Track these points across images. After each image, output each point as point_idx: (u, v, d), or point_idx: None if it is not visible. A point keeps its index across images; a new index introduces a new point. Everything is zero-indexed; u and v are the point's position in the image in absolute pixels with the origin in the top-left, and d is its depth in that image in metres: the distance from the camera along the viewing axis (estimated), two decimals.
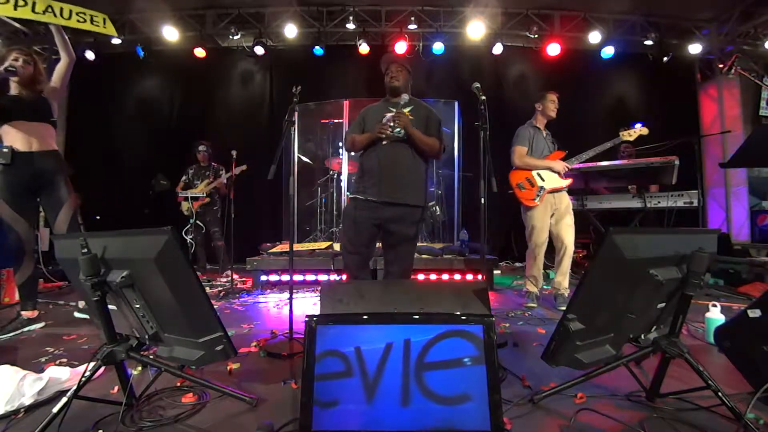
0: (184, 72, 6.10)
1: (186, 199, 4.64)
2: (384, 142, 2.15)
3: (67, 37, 2.44)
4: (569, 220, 3.00)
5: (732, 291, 3.45)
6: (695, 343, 2.07)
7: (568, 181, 3.01)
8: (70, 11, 2.29)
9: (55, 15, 2.25)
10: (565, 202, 3.03)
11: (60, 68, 2.48)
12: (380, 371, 1.10)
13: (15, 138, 2.34)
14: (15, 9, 2.15)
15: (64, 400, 1.16)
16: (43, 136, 2.43)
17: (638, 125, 3.06)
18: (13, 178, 2.34)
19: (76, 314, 2.63)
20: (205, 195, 4.69)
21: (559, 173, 2.98)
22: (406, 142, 2.14)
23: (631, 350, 1.39)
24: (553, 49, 5.66)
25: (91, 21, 2.40)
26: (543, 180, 2.97)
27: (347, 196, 2.30)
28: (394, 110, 2.15)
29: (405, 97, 2.18)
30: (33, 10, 2.19)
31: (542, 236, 2.99)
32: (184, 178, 4.84)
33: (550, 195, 2.98)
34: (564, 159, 3.04)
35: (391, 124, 2.11)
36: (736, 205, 5.79)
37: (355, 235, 2.18)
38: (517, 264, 5.53)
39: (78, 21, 2.32)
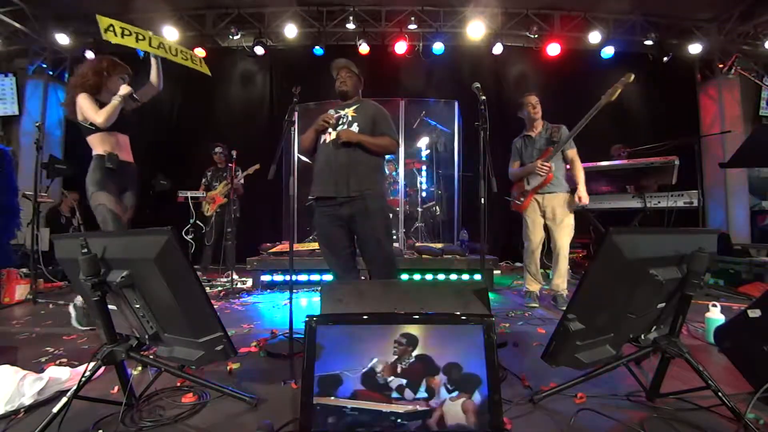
0: (184, 72, 6.06)
1: (185, 198, 4.65)
2: (329, 138, 2.16)
3: (161, 71, 2.67)
4: (565, 223, 2.97)
5: (732, 291, 3.46)
6: (695, 343, 2.07)
7: (542, 179, 2.94)
8: (176, 49, 2.65)
9: (165, 51, 2.57)
10: (556, 203, 2.98)
11: (148, 92, 2.70)
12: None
13: (114, 147, 2.51)
14: (137, 41, 2.44)
15: (64, 400, 1.16)
16: (129, 148, 2.66)
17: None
18: (113, 183, 2.48)
19: (74, 323, 2.59)
20: (215, 195, 4.75)
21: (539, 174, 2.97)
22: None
23: (631, 350, 1.39)
24: (553, 49, 5.67)
25: (192, 60, 2.73)
26: (528, 183, 3.10)
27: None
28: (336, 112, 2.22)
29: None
30: (150, 45, 2.49)
31: (532, 234, 3.05)
32: (203, 180, 4.88)
33: (538, 195, 3.03)
34: (549, 155, 2.98)
35: (331, 122, 2.16)
36: (736, 205, 5.78)
37: (328, 240, 2.20)
38: (517, 264, 5.53)
39: (182, 58, 2.67)
